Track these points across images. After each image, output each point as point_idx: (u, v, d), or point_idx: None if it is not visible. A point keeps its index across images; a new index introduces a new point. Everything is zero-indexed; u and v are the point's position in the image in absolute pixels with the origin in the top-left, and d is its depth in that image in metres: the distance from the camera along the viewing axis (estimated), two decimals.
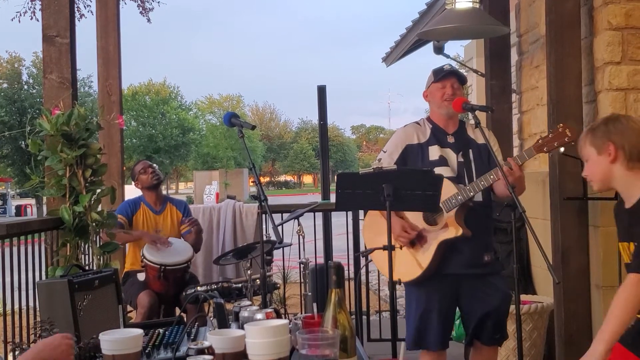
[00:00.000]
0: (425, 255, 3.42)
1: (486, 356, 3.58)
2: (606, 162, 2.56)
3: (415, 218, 3.49)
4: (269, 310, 2.37)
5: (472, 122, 3.54)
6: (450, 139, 3.54)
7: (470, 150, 3.52)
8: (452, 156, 3.50)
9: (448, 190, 3.34)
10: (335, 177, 3.22)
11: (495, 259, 3.56)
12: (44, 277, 4.02)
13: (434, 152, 3.50)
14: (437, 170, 3.36)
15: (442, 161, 3.47)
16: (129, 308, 4.83)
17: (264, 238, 4.01)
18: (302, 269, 4.40)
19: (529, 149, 3.30)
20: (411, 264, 3.42)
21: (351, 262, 5.59)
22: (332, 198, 3.63)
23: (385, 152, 3.58)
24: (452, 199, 3.35)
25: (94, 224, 4.05)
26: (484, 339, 3.52)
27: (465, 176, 3.47)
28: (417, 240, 3.46)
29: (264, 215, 4.17)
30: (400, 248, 3.44)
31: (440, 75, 3.52)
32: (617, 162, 2.54)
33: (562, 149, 3.31)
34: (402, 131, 3.62)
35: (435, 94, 3.54)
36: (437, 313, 3.45)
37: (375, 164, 3.50)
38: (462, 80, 3.55)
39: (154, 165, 5.27)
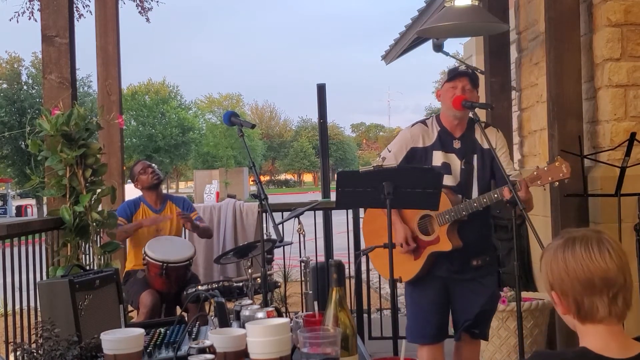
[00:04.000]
0: (416, 263, 3.49)
1: (467, 351, 3.66)
2: None
3: (410, 225, 3.51)
4: (270, 309, 2.37)
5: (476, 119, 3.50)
6: (457, 144, 3.51)
7: (474, 156, 3.50)
8: (456, 163, 3.48)
9: (443, 204, 3.34)
10: (336, 175, 3.22)
11: (488, 262, 3.57)
12: (44, 277, 4.02)
13: (438, 158, 3.48)
14: None
15: (445, 168, 3.45)
16: (130, 308, 4.83)
17: (265, 237, 4.01)
18: (302, 268, 4.40)
19: (523, 180, 3.29)
20: (403, 267, 3.45)
21: (352, 260, 5.59)
22: (333, 196, 3.64)
23: (390, 151, 3.56)
24: (446, 214, 3.38)
25: (94, 223, 4.04)
26: (466, 334, 3.60)
27: (466, 185, 3.47)
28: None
29: (264, 214, 4.17)
30: (401, 246, 3.46)
31: (452, 74, 3.48)
32: None
33: (556, 184, 3.31)
34: (409, 132, 3.58)
35: (446, 94, 3.48)
36: (430, 309, 3.52)
37: (377, 161, 3.50)
38: (474, 82, 3.49)
39: (153, 165, 5.25)
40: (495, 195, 3.28)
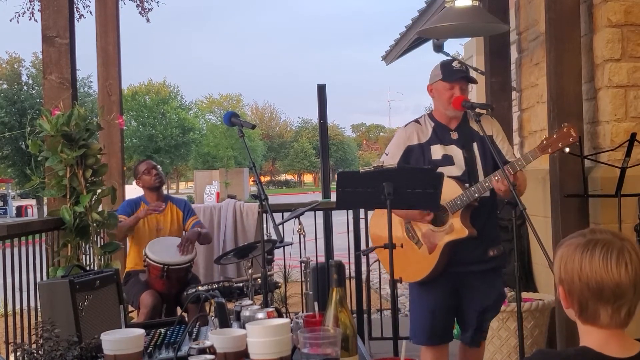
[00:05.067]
0: (432, 256, 3.44)
1: (473, 353, 3.66)
2: None
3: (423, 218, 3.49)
4: (270, 309, 2.37)
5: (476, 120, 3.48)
6: (454, 135, 3.50)
7: (475, 144, 3.50)
8: (457, 153, 3.47)
9: (453, 190, 3.33)
10: (336, 175, 3.22)
11: (501, 253, 3.56)
12: (45, 278, 4.02)
13: (437, 151, 3.47)
14: (443, 169, 3.34)
15: (447, 160, 3.44)
16: (130, 308, 4.83)
17: (265, 237, 4.01)
18: (303, 268, 4.40)
19: (533, 150, 3.28)
20: (418, 265, 3.43)
21: (352, 260, 5.58)
22: (333, 197, 3.63)
23: (387, 154, 3.56)
24: (457, 200, 3.35)
25: (94, 224, 4.05)
26: (473, 336, 3.59)
27: (471, 173, 3.45)
28: (424, 241, 3.47)
29: (264, 215, 4.17)
30: (402, 246, 3.45)
31: (451, 78, 3.44)
32: None
33: (567, 149, 3.27)
34: (403, 132, 3.58)
35: (442, 93, 3.47)
36: (439, 310, 3.50)
37: (378, 162, 3.50)
38: (469, 79, 3.49)
39: (158, 167, 5.26)
40: (508, 172, 3.23)
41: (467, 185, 3.41)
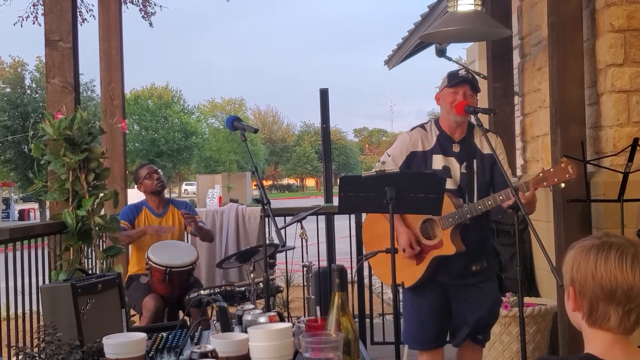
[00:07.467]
0: (419, 268, 3.48)
1: (470, 357, 3.66)
2: None
3: (412, 230, 3.50)
4: (272, 313, 2.37)
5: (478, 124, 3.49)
6: (456, 148, 3.50)
7: (475, 161, 3.50)
8: (455, 166, 3.48)
9: (446, 207, 3.34)
10: (338, 180, 3.22)
11: (486, 267, 3.57)
12: (47, 281, 4.02)
13: (438, 161, 3.48)
14: None
15: (445, 171, 3.45)
16: (132, 312, 4.83)
17: (267, 241, 4.02)
18: (305, 272, 4.40)
19: (529, 182, 3.28)
20: (405, 272, 3.44)
21: (354, 265, 5.58)
22: (335, 201, 3.64)
23: (389, 156, 3.56)
24: (450, 217, 3.37)
25: (97, 228, 4.05)
26: (469, 340, 3.59)
27: (467, 189, 3.46)
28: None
29: (266, 219, 4.17)
30: (404, 251, 3.46)
31: (453, 81, 3.45)
32: None
33: (562, 185, 3.28)
34: (408, 137, 3.57)
35: (446, 98, 3.47)
36: (430, 315, 3.52)
37: (378, 166, 3.51)
38: (474, 87, 3.48)
39: (159, 170, 5.26)
40: (501, 198, 3.25)
41: (461, 200, 3.43)
